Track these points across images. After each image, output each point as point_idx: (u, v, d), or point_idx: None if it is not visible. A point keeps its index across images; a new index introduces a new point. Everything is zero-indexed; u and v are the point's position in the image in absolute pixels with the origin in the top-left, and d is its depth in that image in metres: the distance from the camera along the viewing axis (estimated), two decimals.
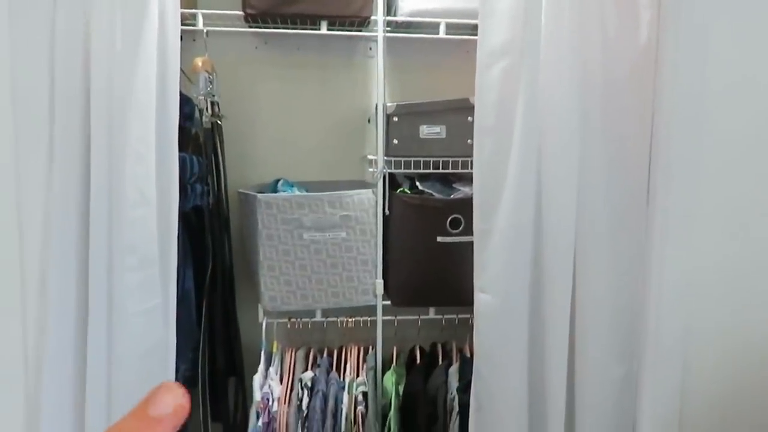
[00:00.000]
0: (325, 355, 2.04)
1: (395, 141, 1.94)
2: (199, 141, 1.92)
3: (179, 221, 1.75)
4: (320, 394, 1.86)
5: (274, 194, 1.91)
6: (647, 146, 1.56)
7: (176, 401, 0.32)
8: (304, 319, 2.03)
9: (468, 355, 2.04)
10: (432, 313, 2.07)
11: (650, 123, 1.55)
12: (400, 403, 1.94)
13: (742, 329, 1.64)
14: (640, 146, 1.57)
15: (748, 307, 1.63)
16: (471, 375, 1.89)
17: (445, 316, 2.07)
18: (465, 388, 1.89)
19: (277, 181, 2.11)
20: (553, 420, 1.63)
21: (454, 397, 1.89)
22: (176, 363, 1.74)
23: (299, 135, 2.20)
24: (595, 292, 1.62)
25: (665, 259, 1.56)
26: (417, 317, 2.06)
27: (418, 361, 2.04)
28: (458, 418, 1.85)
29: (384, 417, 1.91)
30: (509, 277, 1.59)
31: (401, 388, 1.97)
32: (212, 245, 1.83)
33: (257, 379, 1.89)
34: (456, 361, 2.01)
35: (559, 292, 1.60)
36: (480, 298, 1.64)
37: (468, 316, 2.04)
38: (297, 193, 2.00)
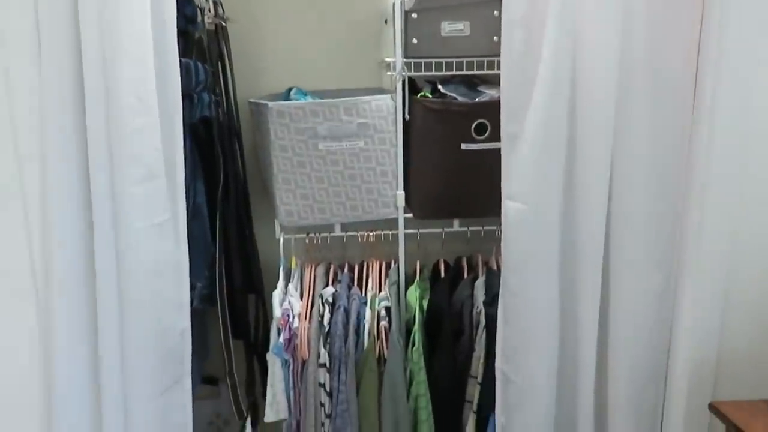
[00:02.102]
0: (345, 270, 1.97)
1: (414, 41, 1.79)
2: (204, 46, 1.79)
3: (186, 133, 1.65)
4: (342, 309, 1.80)
5: (286, 102, 1.78)
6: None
7: None
8: (322, 234, 1.95)
9: (495, 268, 1.95)
10: (456, 226, 1.97)
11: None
12: (424, 318, 1.87)
13: None
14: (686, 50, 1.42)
15: None
16: (498, 288, 1.81)
17: (471, 229, 1.97)
18: (492, 301, 1.81)
19: (290, 90, 1.98)
20: (584, 332, 1.56)
21: (480, 311, 1.82)
22: (192, 281, 1.68)
23: (312, 40, 2.04)
24: (633, 197, 1.50)
25: (712, 161, 1.43)
26: (441, 230, 1.97)
27: (443, 275, 1.96)
28: (485, 332, 1.78)
29: (408, 332, 1.85)
30: (540, 182, 1.48)
31: (425, 303, 1.90)
32: (223, 157, 1.72)
33: (276, 295, 1.83)
34: (482, 275, 1.92)
35: (595, 196, 1.48)
36: (508, 206, 1.53)
37: (494, 228, 1.95)
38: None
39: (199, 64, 1.74)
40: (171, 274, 1.48)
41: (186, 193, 1.65)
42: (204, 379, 2.07)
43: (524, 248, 1.52)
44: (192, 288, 1.72)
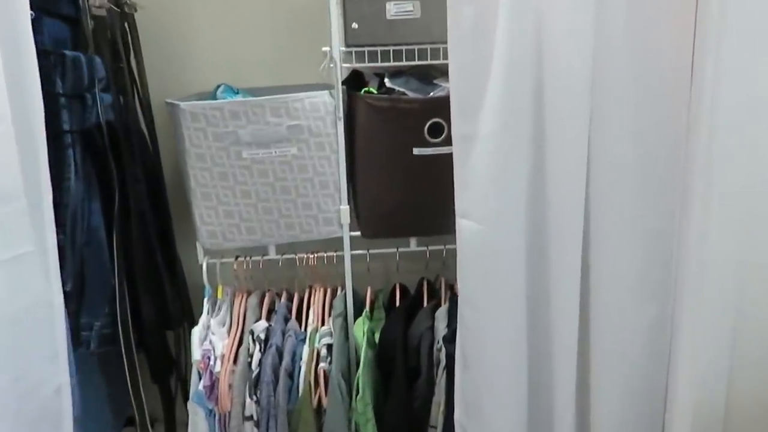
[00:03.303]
0: (283, 299, 1.67)
1: (354, 25, 1.48)
2: (108, 38, 1.49)
3: (76, 142, 1.36)
4: (273, 348, 1.50)
5: (200, 102, 1.48)
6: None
7: None
8: (254, 258, 1.65)
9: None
10: (413, 245, 1.67)
11: None
12: (377, 355, 1.58)
13: None
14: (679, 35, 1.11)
15: None
16: None
17: (430, 248, 1.67)
18: (453, 336, 1.51)
19: (218, 88, 1.68)
20: (560, 380, 1.26)
21: (441, 347, 1.52)
22: (88, 321, 1.39)
23: (247, 30, 1.75)
24: (618, 211, 1.20)
25: (714, 167, 1.12)
26: (395, 250, 1.67)
27: (398, 302, 1.66)
28: (445, 373, 1.49)
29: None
30: (499, 195, 1.18)
31: (377, 336, 1.61)
32: (118, 169, 1.43)
33: (197, 332, 1.53)
34: (445, 302, 1.62)
35: (568, 214, 1.18)
36: (462, 226, 1.23)
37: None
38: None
39: (96, 59, 1.45)
40: (38, 320, 1.18)
41: (78, 215, 1.37)
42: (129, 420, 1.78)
43: (482, 277, 1.22)
44: (89, 328, 1.43)
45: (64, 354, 1.25)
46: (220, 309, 1.62)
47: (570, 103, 1.13)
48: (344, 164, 1.55)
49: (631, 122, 1.16)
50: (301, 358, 1.51)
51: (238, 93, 1.68)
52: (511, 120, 1.14)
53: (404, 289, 1.71)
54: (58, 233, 1.30)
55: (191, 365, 1.63)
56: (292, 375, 1.49)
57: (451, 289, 1.69)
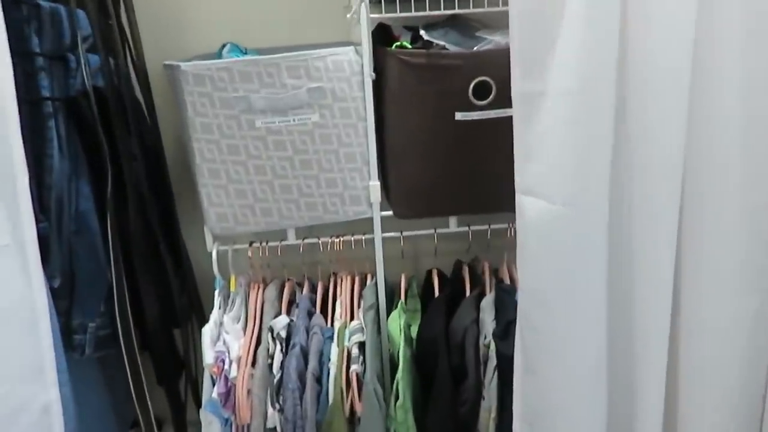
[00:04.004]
0: (305, 290, 1.46)
1: None
2: None
3: (59, 112, 1.15)
4: (297, 349, 1.30)
5: (204, 62, 1.26)
6: None
7: None
8: (271, 244, 1.44)
9: (508, 280, 1.44)
10: (453, 225, 1.45)
11: None
12: (415, 353, 1.37)
13: None
14: None
15: None
16: (513, 312, 1.31)
17: (473, 228, 1.45)
18: (505, 332, 1.31)
19: (223, 47, 1.45)
20: (646, 391, 1.05)
21: (489, 343, 1.32)
22: (81, 322, 1.19)
23: None
24: (715, 181, 0.98)
25: None
26: (432, 231, 1.45)
27: (437, 291, 1.45)
28: (496, 374, 1.28)
29: (392, 377, 1.35)
30: (579, 167, 0.95)
31: (414, 331, 1.40)
32: (110, 144, 1.21)
33: (208, 331, 1.33)
34: (490, 290, 1.41)
35: (662, 190, 0.96)
36: (526, 205, 1.01)
37: (505, 225, 1.43)
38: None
39: (79, 12, 1.22)
40: (18, 326, 0.98)
41: (64, 199, 1.16)
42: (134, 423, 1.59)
43: (553, 268, 1.01)
44: (82, 330, 1.23)
45: (51, 365, 1.04)
46: (233, 303, 1.41)
47: (667, 54, 0.90)
48: (374, 133, 1.33)
49: (738, 76, 0.94)
50: (329, 359, 1.31)
51: (246, 53, 1.45)
52: (592, 73, 0.91)
53: (441, 276, 1.50)
54: (40, 221, 1.11)
55: (201, 365, 1.44)
56: (320, 379, 1.29)
57: (495, 274, 1.48)
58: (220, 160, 1.30)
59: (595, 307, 1.01)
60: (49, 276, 1.14)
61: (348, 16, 1.27)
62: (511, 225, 1.42)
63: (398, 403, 1.27)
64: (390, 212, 1.40)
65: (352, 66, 1.28)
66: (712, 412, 1.06)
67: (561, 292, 1.01)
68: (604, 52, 0.89)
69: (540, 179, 0.99)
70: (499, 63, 1.20)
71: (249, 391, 1.28)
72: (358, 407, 1.28)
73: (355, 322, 1.36)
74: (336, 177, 1.34)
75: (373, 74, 1.26)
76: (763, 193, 0.99)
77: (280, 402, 1.27)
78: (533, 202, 1.00)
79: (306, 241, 1.44)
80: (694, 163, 0.96)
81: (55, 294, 1.14)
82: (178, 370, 1.45)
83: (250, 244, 1.43)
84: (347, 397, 1.28)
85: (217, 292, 1.40)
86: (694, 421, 1.08)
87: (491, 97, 1.25)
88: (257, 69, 1.25)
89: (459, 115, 1.27)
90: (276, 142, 1.29)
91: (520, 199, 1.03)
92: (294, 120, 1.28)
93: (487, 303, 1.38)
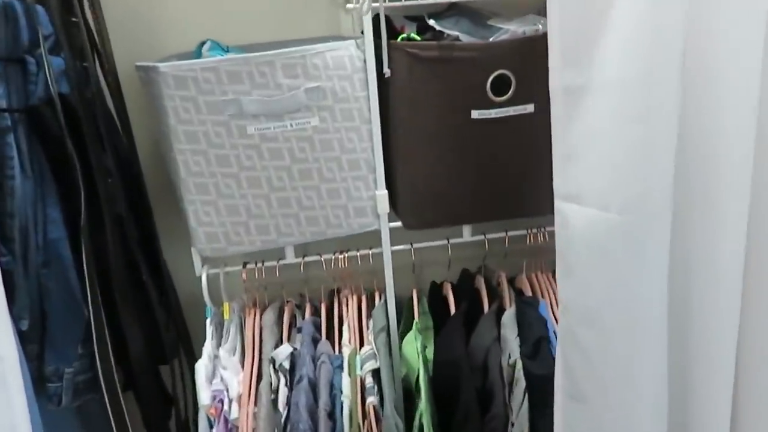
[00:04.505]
0: (307, 314, 1.31)
1: None
2: None
3: (16, 125, 0.98)
4: (305, 382, 1.15)
5: (187, 62, 1.10)
6: None
7: None
8: (268, 264, 1.29)
9: (528, 291, 1.32)
10: (467, 234, 1.33)
11: None
12: (431, 378, 1.24)
13: None
14: None
15: None
16: (539, 328, 1.20)
17: (489, 236, 1.33)
18: (534, 351, 1.19)
19: (201, 45, 1.30)
20: (710, 419, 0.94)
21: (515, 363, 1.19)
22: (55, 367, 1.03)
23: None
24: None
25: None
26: (446, 242, 1.32)
27: (452, 305, 1.33)
28: (527, 398, 1.16)
29: (410, 405, 1.22)
30: (634, 170, 0.83)
31: (429, 352, 1.27)
32: (78, 161, 1.04)
33: (202, 368, 1.17)
34: (510, 304, 1.29)
35: (731, 197, 0.84)
36: (568, 213, 0.89)
37: (523, 232, 1.32)
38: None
39: (38, 9, 1.05)
40: None
41: (29, 227, 1.00)
42: None
43: (605, 281, 0.89)
44: (57, 377, 1.06)
45: (26, 425, 0.88)
46: (227, 332, 1.26)
47: (739, 38, 0.79)
48: (380, 137, 1.19)
49: None
50: (341, 392, 1.17)
51: (228, 51, 1.30)
52: (654, 61, 0.79)
53: (456, 290, 1.37)
54: (2, 254, 0.94)
55: (191, 403, 1.28)
56: (332, 414, 1.15)
57: (512, 284, 1.37)
58: (209, 173, 1.15)
59: (654, 327, 0.89)
60: (16, 317, 0.98)
61: (348, 6, 1.13)
62: (530, 231, 1.31)
63: None
64: (398, 223, 1.27)
65: (353, 62, 1.14)
66: None
67: (615, 309, 0.89)
68: (668, 36, 0.77)
69: (588, 184, 0.87)
70: (519, 54, 1.10)
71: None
72: None
73: (366, 348, 1.22)
74: (339, 187, 1.20)
75: (388, 70, 1.13)
76: None
77: None
78: (579, 210, 0.88)
79: (307, 259, 1.30)
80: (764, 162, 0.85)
81: (24, 338, 0.98)
82: (167, 411, 1.29)
83: (244, 265, 1.28)
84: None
85: (208, 321, 1.25)
86: None
87: (510, 92, 1.13)
88: (248, 68, 1.10)
89: (475, 113, 1.15)
90: (271, 150, 1.15)
91: (561, 206, 0.91)
92: (291, 125, 1.14)
93: (509, 318, 1.26)
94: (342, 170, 1.19)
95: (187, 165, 1.14)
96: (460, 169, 1.20)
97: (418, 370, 1.20)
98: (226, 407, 1.14)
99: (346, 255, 1.29)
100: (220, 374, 1.17)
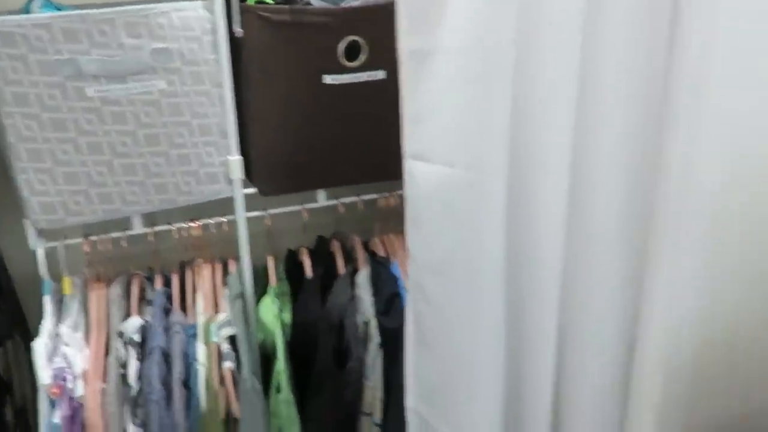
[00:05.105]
0: (158, 286, 1.27)
1: None
2: None
3: None
4: (157, 352, 1.12)
5: (15, 17, 1.01)
6: None
7: None
8: (113, 235, 1.23)
9: (383, 253, 1.38)
10: (323, 199, 1.35)
11: None
12: (289, 341, 1.26)
13: None
14: None
15: None
16: (392, 286, 1.26)
17: (342, 200, 1.36)
18: (387, 307, 1.26)
19: (29, 2, 1.19)
20: (539, 353, 1.05)
21: (368, 322, 1.25)
22: None
23: None
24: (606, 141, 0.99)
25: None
26: (300, 207, 1.34)
27: (308, 270, 1.35)
28: (382, 352, 1.23)
29: (269, 370, 1.23)
30: (477, 129, 0.91)
31: (287, 318, 1.29)
32: None
33: (41, 346, 1.10)
34: (364, 266, 1.35)
35: (555, 159, 0.95)
36: (417, 171, 0.95)
37: (375, 195, 1.37)
38: None
39: None
40: None
41: None
42: None
43: (450, 235, 0.96)
44: None
45: None
46: (69, 308, 1.19)
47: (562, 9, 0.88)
48: (231, 101, 1.18)
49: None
50: (196, 360, 1.15)
51: (60, 10, 1.20)
52: (489, 29, 0.87)
53: (312, 254, 1.39)
54: None
55: (29, 387, 1.20)
56: (188, 382, 1.13)
57: (366, 247, 1.42)
58: (43, 138, 1.07)
59: (494, 275, 0.98)
60: None
61: None
62: (382, 195, 1.36)
63: (281, 397, 1.16)
64: (252, 189, 1.27)
65: (202, 24, 1.11)
66: (593, 362, 1.10)
67: (459, 260, 0.97)
68: (503, 4, 0.85)
69: (434, 143, 0.93)
70: (371, 21, 1.13)
71: (102, 410, 1.08)
72: (235, 407, 1.14)
73: (222, 315, 1.21)
74: (189, 153, 1.17)
75: (240, 31, 1.11)
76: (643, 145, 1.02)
77: (141, 416, 1.09)
78: (427, 168, 0.94)
79: (156, 228, 1.25)
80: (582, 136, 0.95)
81: None
82: (1, 396, 1.19)
83: (86, 237, 1.21)
84: (222, 399, 1.14)
85: (47, 298, 1.17)
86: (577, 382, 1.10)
87: (362, 58, 1.17)
88: (86, 26, 1.03)
89: (328, 78, 1.17)
90: (114, 114, 1.09)
91: (410, 164, 0.96)
92: (136, 88, 1.09)
93: (363, 279, 1.31)
94: (193, 135, 1.16)
95: (17, 130, 1.05)
96: (313, 134, 1.22)
97: (275, 333, 1.21)
98: (69, 385, 1.08)
99: (199, 223, 1.26)
100: (62, 351, 1.10)
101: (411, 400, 1.10)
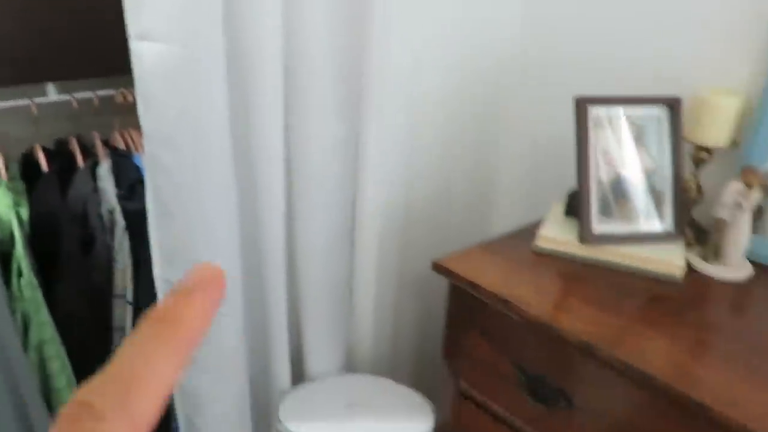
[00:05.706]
0: None
1: None
2: None
3: None
4: None
5: None
6: None
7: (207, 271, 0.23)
8: None
9: (125, 148, 1.43)
10: (53, 94, 1.35)
11: None
12: (30, 234, 1.28)
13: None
14: None
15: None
16: (135, 174, 1.35)
17: (77, 96, 1.37)
18: (130, 192, 1.33)
19: None
20: (269, 208, 1.23)
21: (112, 210, 1.32)
22: None
23: None
24: (311, 30, 1.17)
25: None
26: (29, 102, 1.32)
27: (45, 168, 1.35)
28: (128, 235, 1.30)
29: (6, 260, 1.24)
30: (191, 7, 1.01)
31: (24, 213, 1.29)
32: None
33: None
34: (106, 159, 1.39)
35: (267, 29, 1.09)
36: (143, 50, 1.03)
37: (113, 92, 1.41)
38: None
39: None
40: None
41: None
42: None
43: (176, 110, 1.06)
44: None
45: None
46: None
47: None
48: None
49: None
50: None
51: None
52: None
53: (48, 153, 1.39)
54: None
55: None
56: None
57: (106, 144, 1.45)
58: None
59: (220, 144, 1.11)
60: None
61: None
62: (120, 91, 1.40)
63: (23, 281, 1.19)
64: None
65: None
66: (320, 213, 1.31)
67: (186, 133, 1.08)
68: None
69: (156, 21, 1.01)
70: None
71: None
72: None
73: None
74: None
75: None
76: (344, 38, 1.22)
77: None
78: (149, 46, 1.02)
79: None
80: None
81: None
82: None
83: None
84: None
85: None
86: (306, 226, 1.31)
87: None
88: None
89: None
90: None
91: (135, 45, 1.03)
92: None
93: (104, 170, 1.36)
94: None
95: None
96: (34, 19, 1.21)
97: (11, 221, 1.22)
98: None
99: None
100: None
101: (158, 269, 1.21)
